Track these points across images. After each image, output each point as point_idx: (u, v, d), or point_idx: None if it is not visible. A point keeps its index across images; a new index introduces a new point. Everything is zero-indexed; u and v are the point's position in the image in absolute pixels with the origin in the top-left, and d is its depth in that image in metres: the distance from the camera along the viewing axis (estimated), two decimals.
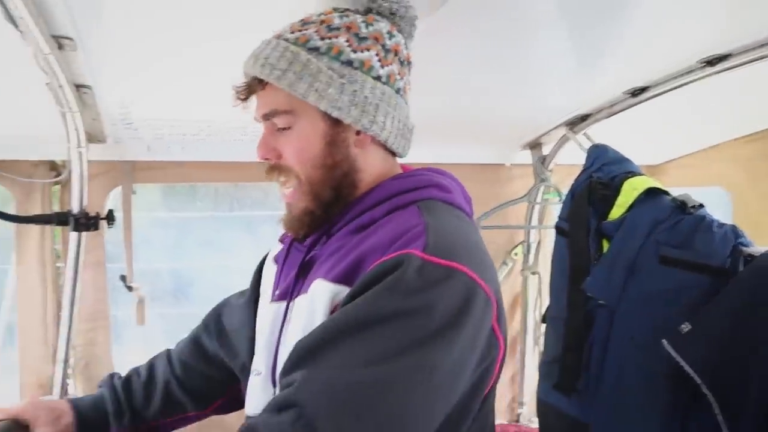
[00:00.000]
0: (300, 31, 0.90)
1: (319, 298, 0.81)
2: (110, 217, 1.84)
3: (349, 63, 0.89)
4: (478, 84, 1.63)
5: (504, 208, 2.22)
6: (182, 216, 2.44)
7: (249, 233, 2.45)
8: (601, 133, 1.94)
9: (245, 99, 0.93)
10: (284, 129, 0.90)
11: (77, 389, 2.01)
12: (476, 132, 2.09)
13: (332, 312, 0.80)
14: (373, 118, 0.90)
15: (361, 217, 0.89)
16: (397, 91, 0.95)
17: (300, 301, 0.87)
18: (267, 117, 0.91)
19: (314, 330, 0.76)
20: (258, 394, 0.93)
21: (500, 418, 2.46)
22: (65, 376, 1.92)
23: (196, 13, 1.13)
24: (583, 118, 1.94)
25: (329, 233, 0.93)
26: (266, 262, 1.12)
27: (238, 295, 1.25)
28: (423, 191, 0.91)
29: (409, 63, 1.00)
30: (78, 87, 1.40)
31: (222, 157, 2.01)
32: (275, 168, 0.92)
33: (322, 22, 0.91)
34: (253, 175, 2.15)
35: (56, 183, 1.95)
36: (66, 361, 1.90)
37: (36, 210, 1.91)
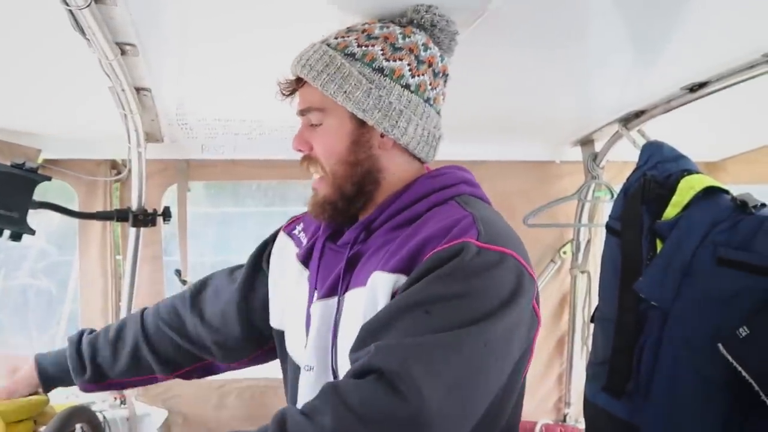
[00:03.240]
0: (342, 37, 0.99)
1: (380, 289, 0.87)
2: (166, 214, 1.92)
3: (380, 70, 0.96)
4: (527, 81, 1.60)
5: (553, 205, 2.19)
6: (226, 211, 2.51)
7: None
8: (656, 129, 1.88)
9: (288, 95, 1.03)
10: (316, 125, 0.98)
11: None
12: (526, 129, 2.07)
13: (392, 298, 0.85)
14: (395, 123, 0.96)
15: (402, 214, 0.95)
16: (426, 100, 1.00)
17: (355, 294, 0.93)
18: (303, 113, 1.00)
19: (379, 311, 0.83)
20: (311, 388, 0.96)
21: (546, 418, 2.43)
22: None
23: (249, 20, 1.16)
24: (638, 114, 1.88)
25: (369, 230, 0.99)
26: (279, 258, 1.18)
27: (226, 275, 1.30)
28: (456, 188, 0.99)
29: (444, 75, 1.05)
30: (138, 90, 1.46)
31: (271, 155, 2.06)
32: (306, 158, 1.01)
33: (364, 31, 1.00)
34: (300, 173, 2.17)
35: (117, 181, 2.05)
36: None
37: (98, 206, 2.02)
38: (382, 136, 0.97)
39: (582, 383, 1.68)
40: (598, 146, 2.18)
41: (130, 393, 1.87)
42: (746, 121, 2.07)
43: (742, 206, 1.43)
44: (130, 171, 1.82)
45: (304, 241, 1.14)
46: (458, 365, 0.75)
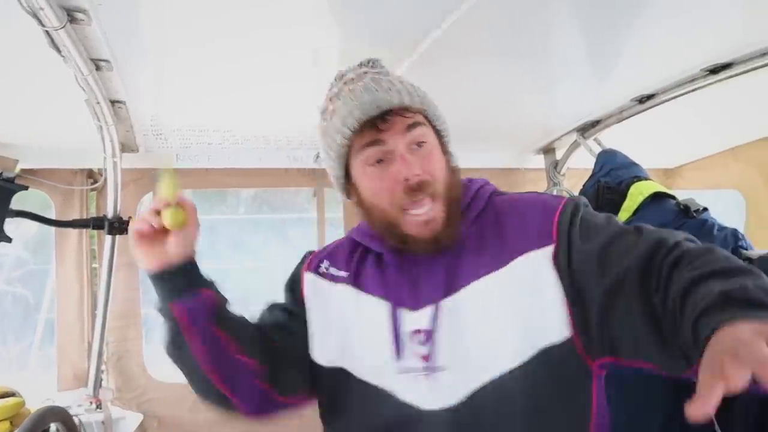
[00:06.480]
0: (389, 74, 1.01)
1: (538, 263, 0.93)
2: None
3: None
4: (493, 91, 1.69)
5: None
6: (212, 218, 2.54)
7: (278, 235, 2.52)
8: (616, 137, 1.98)
9: (385, 129, 0.94)
10: (421, 145, 0.96)
11: (110, 382, 2.14)
12: (491, 138, 2.16)
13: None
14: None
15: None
16: None
17: (487, 281, 0.95)
18: (413, 126, 0.95)
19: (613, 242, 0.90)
20: (448, 384, 0.95)
21: None
22: (99, 369, 2.05)
23: (218, 35, 1.23)
24: (594, 123, 1.98)
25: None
26: (318, 297, 1.08)
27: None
28: (485, 188, 1.07)
29: None
30: (113, 102, 1.51)
31: (246, 164, 2.12)
32: (423, 185, 0.94)
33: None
34: (275, 181, 2.26)
35: (93, 189, 2.09)
36: (100, 355, 2.04)
37: (74, 215, 2.05)
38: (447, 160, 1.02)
39: None
40: (559, 154, 2.28)
41: (105, 397, 1.90)
42: (700, 130, 2.19)
43: (685, 210, 1.53)
44: (106, 180, 1.86)
45: (341, 272, 1.09)
46: None
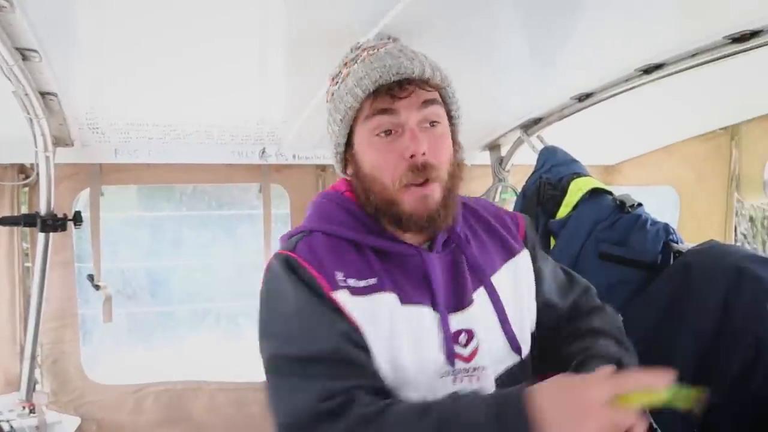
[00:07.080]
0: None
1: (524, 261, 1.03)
2: (77, 218, 1.89)
3: None
4: None
5: None
6: (157, 215, 2.48)
7: (226, 232, 2.48)
8: (559, 134, 2.02)
9: (400, 98, 0.89)
10: (433, 125, 0.90)
11: (45, 386, 2.05)
12: None
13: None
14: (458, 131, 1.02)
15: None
16: None
17: (507, 269, 1.01)
18: (429, 103, 0.90)
19: (562, 273, 1.11)
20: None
21: None
22: (33, 372, 1.96)
23: (156, 24, 1.19)
24: (536, 121, 2.02)
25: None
26: (369, 314, 0.88)
27: None
28: None
29: None
30: (44, 94, 1.45)
31: (188, 160, 2.06)
32: (427, 167, 0.88)
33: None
34: (219, 177, 2.21)
35: (25, 185, 1.99)
36: (33, 358, 1.95)
37: (5, 212, 1.96)
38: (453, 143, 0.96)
39: None
40: (504, 151, 2.31)
41: (39, 401, 1.83)
42: (638, 129, 2.27)
43: (621, 206, 1.59)
44: (38, 175, 1.77)
45: (362, 282, 0.90)
46: None
